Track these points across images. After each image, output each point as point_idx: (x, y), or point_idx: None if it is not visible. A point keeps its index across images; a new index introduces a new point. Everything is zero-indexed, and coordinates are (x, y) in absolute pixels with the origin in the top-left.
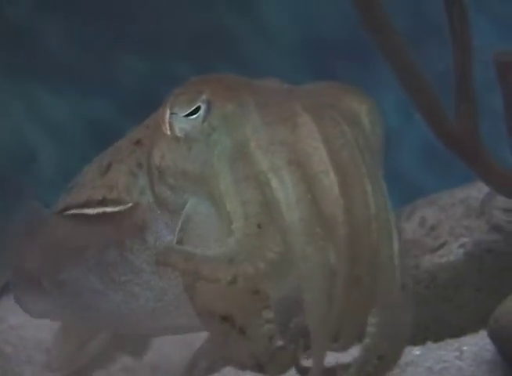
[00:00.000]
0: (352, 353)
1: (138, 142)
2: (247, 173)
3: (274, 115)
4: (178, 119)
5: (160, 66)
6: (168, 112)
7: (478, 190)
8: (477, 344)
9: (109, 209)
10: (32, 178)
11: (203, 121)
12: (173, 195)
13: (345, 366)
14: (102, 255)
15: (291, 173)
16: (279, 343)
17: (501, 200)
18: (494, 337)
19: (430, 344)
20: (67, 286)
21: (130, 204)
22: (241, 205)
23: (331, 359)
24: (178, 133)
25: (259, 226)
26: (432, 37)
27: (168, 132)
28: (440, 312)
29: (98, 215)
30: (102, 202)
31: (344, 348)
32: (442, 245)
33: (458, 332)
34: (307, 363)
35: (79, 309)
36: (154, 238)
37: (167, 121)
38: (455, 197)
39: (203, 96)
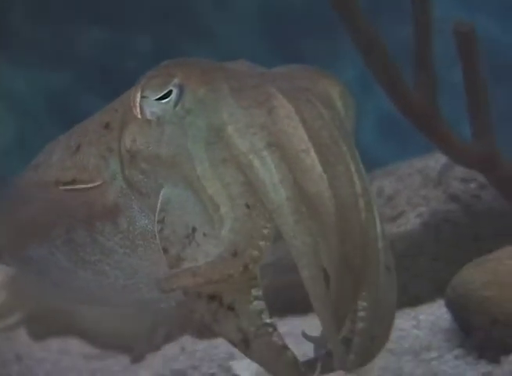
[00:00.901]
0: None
1: (107, 126)
2: (225, 156)
3: (249, 99)
4: (149, 103)
5: (121, 39)
6: (139, 95)
7: (436, 161)
8: (434, 313)
9: (78, 186)
10: None
11: (175, 105)
12: (145, 179)
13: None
14: (70, 235)
15: (272, 154)
16: (268, 320)
17: (458, 171)
18: (451, 305)
19: None
20: (34, 262)
21: (100, 182)
22: (223, 188)
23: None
24: (150, 116)
25: (247, 206)
26: (392, 7)
27: (139, 116)
28: (398, 282)
29: (65, 193)
30: (73, 183)
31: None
32: (400, 215)
33: (415, 301)
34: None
35: (48, 284)
36: (127, 222)
37: (137, 104)
38: (412, 167)
39: (176, 80)
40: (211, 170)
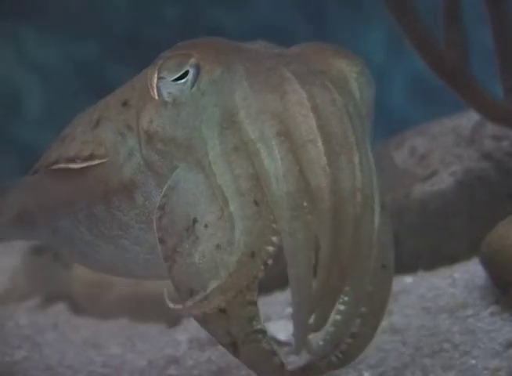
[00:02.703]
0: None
1: (125, 104)
2: (236, 143)
3: (263, 82)
4: (166, 83)
5: (147, 8)
6: (156, 76)
7: (468, 119)
8: (469, 271)
9: (94, 162)
10: (19, 120)
11: (192, 85)
12: (162, 159)
13: (313, 345)
14: (90, 210)
15: (280, 144)
16: (259, 326)
17: (491, 129)
18: (486, 262)
19: (421, 272)
20: (60, 233)
21: (111, 157)
22: (233, 180)
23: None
24: (167, 98)
25: (256, 203)
26: None
27: (156, 97)
28: (431, 241)
29: (84, 170)
30: (91, 157)
31: (318, 327)
32: (433, 174)
33: (450, 260)
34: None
35: (75, 254)
36: (144, 198)
37: (155, 85)
38: (445, 126)
39: (192, 60)
40: (222, 157)
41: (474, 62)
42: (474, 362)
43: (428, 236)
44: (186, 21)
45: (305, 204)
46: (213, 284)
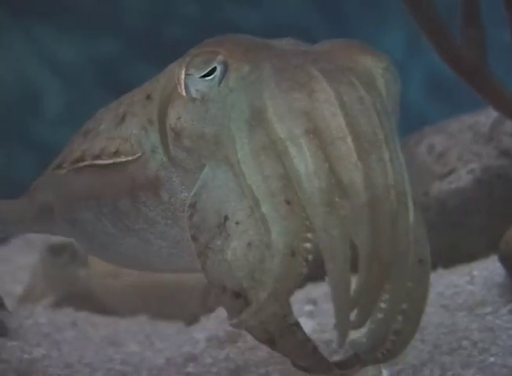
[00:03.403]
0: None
1: (148, 97)
2: (265, 142)
3: (291, 80)
4: (193, 80)
5: (166, 5)
6: (184, 73)
7: (487, 116)
8: (488, 268)
9: (121, 159)
10: (38, 118)
11: (220, 82)
12: (189, 157)
13: (358, 343)
14: (116, 204)
15: (309, 142)
16: (293, 320)
17: (509, 126)
18: (504, 260)
19: (440, 270)
20: (79, 225)
21: (139, 154)
22: (263, 181)
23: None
24: (195, 94)
25: (287, 202)
26: None
27: (184, 93)
28: (450, 239)
29: (111, 165)
30: (116, 153)
31: (359, 324)
32: (451, 171)
33: (468, 257)
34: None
35: (93, 246)
36: (169, 194)
37: (182, 82)
38: (463, 124)
39: (220, 57)
40: (252, 156)
41: (492, 59)
42: (492, 359)
43: (447, 234)
44: (204, 19)
45: (337, 199)
46: (263, 294)
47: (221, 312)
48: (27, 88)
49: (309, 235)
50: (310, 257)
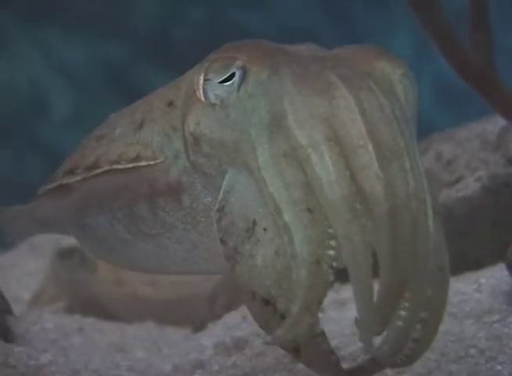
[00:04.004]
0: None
1: (171, 104)
2: (286, 149)
3: (311, 87)
4: (212, 85)
5: (173, 8)
6: (202, 78)
7: (494, 124)
8: (495, 276)
9: (142, 164)
10: (46, 122)
11: (239, 88)
12: (208, 162)
13: (376, 348)
14: (131, 208)
15: (330, 149)
16: (319, 330)
17: None
18: (511, 268)
19: None
20: (91, 230)
21: (161, 160)
22: (285, 189)
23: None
24: (213, 100)
25: (309, 211)
26: None
27: (203, 99)
28: (457, 246)
29: (130, 170)
30: (137, 159)
31: (378, 331)
32: (459, 179)
33: (476, 265)
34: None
35: (101, 250)
36: (191, 200)
37: (201, 87)
38: (471, 131)
39: (238, 62)
40: (273, 163)
41: (500, 63)
42: (500, 368)
43: (454, 242)
44: (212, 23)
45: (359, 207)
46: (295, 307)
47: (229, 319)
48: (35, 92)
49: (332, 242)
50: (335, 264)
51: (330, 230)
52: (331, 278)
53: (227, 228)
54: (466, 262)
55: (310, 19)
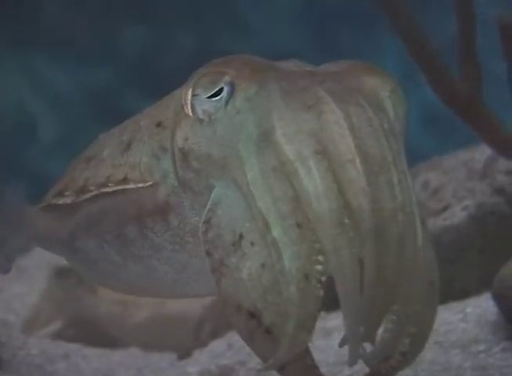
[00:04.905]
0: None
1: (159, 125)
2: (274, 164)
3: (299, 102)
4: (200, 100)
5: (161, 35)
6: (190, 93)
7: (481, 153)
8: (481, 306)
9: (130, 186)
10: (33, 147)
11: (227, 103)
12: (197, 177)
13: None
14: (121, 230)
15: (318, 163)
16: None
17: (503, 163)
18: (497, 298)
19: None
20: (82, 253)
21: (150, 183)
22: (273, 204)
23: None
24: (201, 115)
25: (298, 226)
26: (436, 0)
27: (191, 114)
28: (443, 275)
29: (118, 192)
30: (124, 181)
31: (368, 339)
32: (445, 208)
33: (461, 294)
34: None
35: (94, 273)
36: (178, 220)
37: (189, 102)
38: (458, 160)
39: (226, 78)
40: (261, 178)
41: (487, 91)
42: None
43: (441, 270)
44: (200, 49)
45: (347, 221)
46: (290, 326)
47: (214, 347)
48: (21, 117)
49: (320, 257)
50: (323, 278)
51: (318, 245)
52: (321, 293)
53: (213, 240)
54: (452, 291)
55: (298, 45)
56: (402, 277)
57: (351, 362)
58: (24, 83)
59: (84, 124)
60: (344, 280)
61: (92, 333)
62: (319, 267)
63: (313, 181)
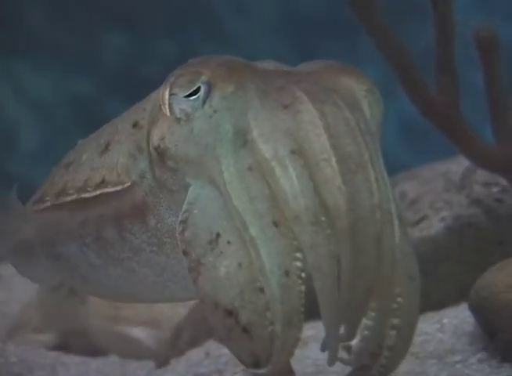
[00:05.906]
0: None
1: (135, 125)
2: (251, 162)
3: (275, 101)
4: (178, 100)
5: (142, 43)
6: (168, 93)
7: (458, 164)
8: (458, 316)
9: (108, 190)
10: (14, 155)
11: (204, 102)
12: (174, 176)
13: (347, 360)
14: (100, 233)
15: (294, 162)
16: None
17: (481, 175)
18: (474, 309)
19: None
20: (64, 258)
21: (128, 184)
22: (250, 202)
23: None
24: (179, 114)
25: (275, 224)
26: (414, 12)
27: (168, 113)
28: (421, 286)
29: (96, 196)
30: (102, 184)
31: (349, 337)
32: (422, 219)
33: (438, 305)
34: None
35: (77, 279)
36: (156, 220)
37: (167, 101)
38: (435, 171)
39: (203, 77)
40: (238, 177)
41: (464, 102)
42: None
43: None
44: (181, 57)
45: (323, 218)
46: (277, 327)
47: (192, 355)
48: (3, 125)
49: (298, 254)
50: (303, 274)
51: (295, 242)
52: (302, 288)
53: (190, 240)
54: (429, 302)
55: (279, 54)
56: (380, 274)
57: (331, 361)
58: (7, 90)
59: (66, 132)
60: (321, 277)
61: (82, 344)
62: (299, 263)
63: (289, 180)
